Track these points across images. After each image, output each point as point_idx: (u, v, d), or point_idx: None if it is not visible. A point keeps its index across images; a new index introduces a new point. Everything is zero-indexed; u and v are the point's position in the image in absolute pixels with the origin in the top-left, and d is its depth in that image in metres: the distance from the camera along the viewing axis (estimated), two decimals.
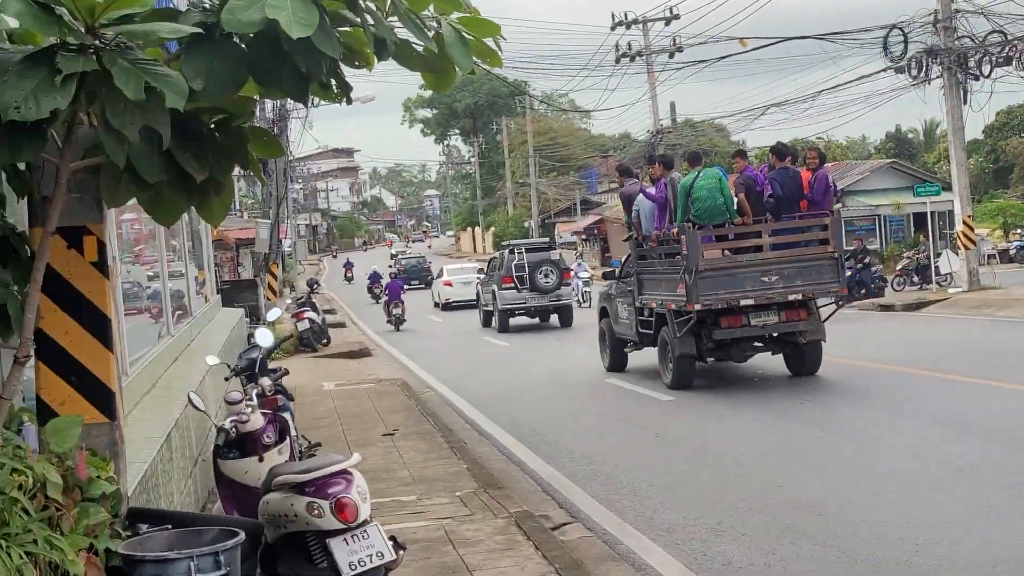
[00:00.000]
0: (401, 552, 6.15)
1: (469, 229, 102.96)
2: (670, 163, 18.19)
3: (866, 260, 33.00)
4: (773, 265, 15.98)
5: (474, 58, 5.24)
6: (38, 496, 5.00)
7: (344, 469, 6.12)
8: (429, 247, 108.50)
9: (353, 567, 5.87)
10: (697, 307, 15.71)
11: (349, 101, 5.23)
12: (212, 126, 5.13)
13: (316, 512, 5.94)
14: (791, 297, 15.98)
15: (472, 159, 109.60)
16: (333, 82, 5.09)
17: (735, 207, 16.16)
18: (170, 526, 5.74)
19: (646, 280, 17.63)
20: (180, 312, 14.25)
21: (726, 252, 16.27)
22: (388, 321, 35.45)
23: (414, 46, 5.15)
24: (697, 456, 11.94)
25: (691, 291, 15.64)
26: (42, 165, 5.44)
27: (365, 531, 5.99)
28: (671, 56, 45.08)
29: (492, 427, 14.94)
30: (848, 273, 31.11)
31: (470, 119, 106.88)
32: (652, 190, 17.49)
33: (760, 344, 17.07)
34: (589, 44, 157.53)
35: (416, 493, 10.50)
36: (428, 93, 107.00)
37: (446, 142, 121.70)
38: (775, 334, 16.71)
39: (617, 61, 46.51)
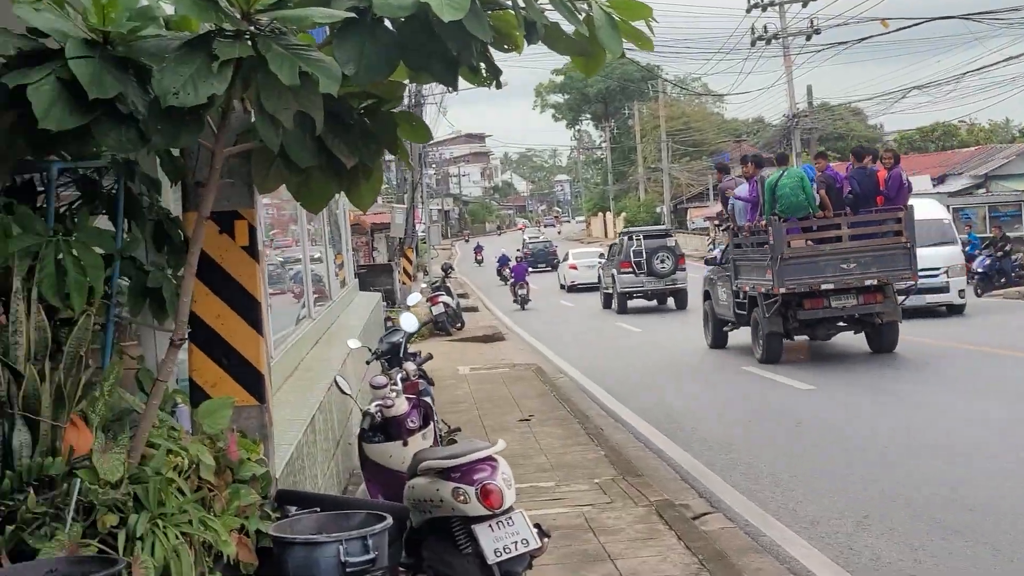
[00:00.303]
0: (546, 539, 6.09)
1: (600, 214, 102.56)
2: (761, 162, 19.75)
3: (1006, 248, 31.84)
4: (851, 254, 17.81)
5: (624, 41, 5.17)
6: (191, 477, 5.08)
7: (489, 455, 6.08)
8: (559, 233, 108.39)
9: (498, 554, 5.84)
10: (782, 290, 17.65)
11: (499, 85, 5.19)
12: (361, 111, 5.14)
13: (462, 498, 5.92)
14: (867, 282, 17.83)
15: (603, 144, 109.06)
16: (482, 66, 5.06)
17: (816, 202, 17.93)
18: (319, 509, 5.78)
19: (741, 266, 19.47)
20: (319, 296, 14.43)
21: (809, 242, 18.16)
22: (514, 301, 38.42)
23: (564, 29, 5.10)
24: (839, 447, 11.66)
25: (777, 276, 17.58)
26: (196, 151, 5.52)
27: (510, 518, 5.95)
28: (808, 38, 44.35)
29: (627, 413, 14.83)
30: (987, 262, 30.26)
31: (601, 104, 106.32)
32: (744, 188, 19.32)
33: (843, 324, 18.76)
34: (724, 27, 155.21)
35: (554, 479, 10.47)
36: (560, 78, 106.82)
37: (577, 127, 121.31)
38: (855, 315, 18.31)
39: (752, 44, 45.89)
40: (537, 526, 6.06)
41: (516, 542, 5.88)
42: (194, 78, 4.18)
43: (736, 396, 15.87)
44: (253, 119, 5.36)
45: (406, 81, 5.31)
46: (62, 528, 4.27)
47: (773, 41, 46.07)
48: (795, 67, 49.01)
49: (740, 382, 17.17)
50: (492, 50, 5.03)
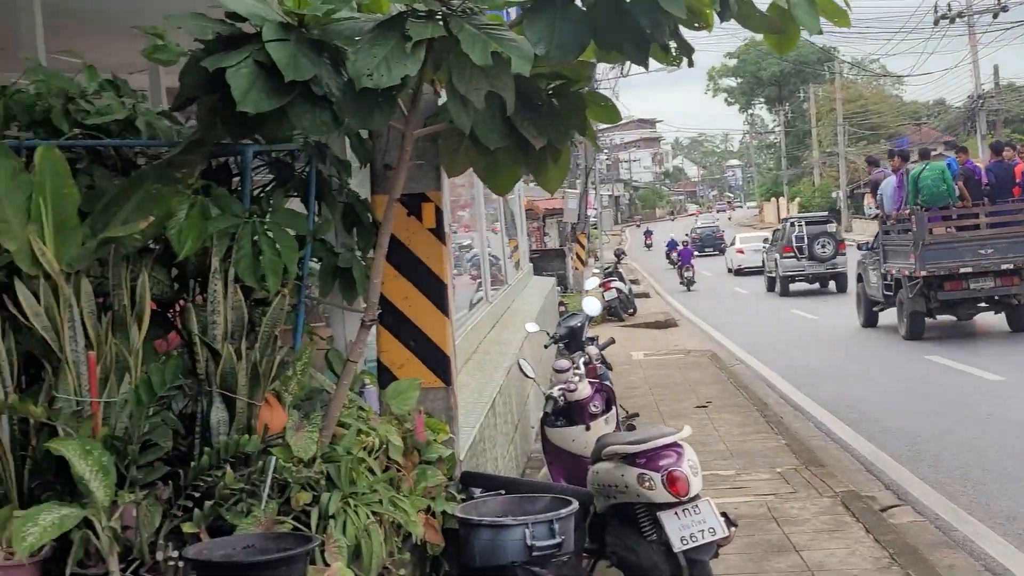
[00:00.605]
0: (733, 529, 5.97)
1: (773, 199, 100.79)
2: (906, 156, 21.90)
3: None
4: (989, 240, 19.23)
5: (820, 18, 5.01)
6: (380, 457, 5.12)
7: (675, 441, 5.99)
8: (729, 219, 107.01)
9: (684, 542, 5.74)
10: (923, 273, 19.10)
11: (691, 63, 5.08)
12: (550, 92, 5.09)
13: (647, 484, 5.84)
14: (1004, 266, 19.09)
15: (777, 128, 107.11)
16: (672, 44, 4.95)
17: (956, 193, 19.46)
18: (504, 491, 5.77)
19: (888, 251, 21.03)
20: (495, 280, 14.50)
21: (950, 229, 19.68)
22: (681, 282, 40.71)
23: (757, 6, 4.96)
24: None
25: (919, 260, 19.12)
26: (386, 133, 5.55)
27: (697, 506, 5.85)
28: (995, 16, 42.69)
29: (807, 402, 14.52)
30: None
31: (775, 87, 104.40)
32: (893, 180, 20.88)
33: (983, 304, 20.04)
34: (905, 5, 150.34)
35: (735, 468, 10.31)
36: (733, 62, 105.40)
37: (750, 111, 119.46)
38: (993, 296, 19.59)
39: (935, 23, 44.47)
40: (724, 515, 5.94)
41: (703, 530, 5.78)
42: (388, 59, 4.18)
43: (921, 385, 15.33)
44: (442, 101, 5.38)
45: (595, 60, 5.24)
46: (257, 504, 4.34)
47: (957, 20, 44.49)
48: (981, 46, 47.33)
49: (924, 371, 16.60)
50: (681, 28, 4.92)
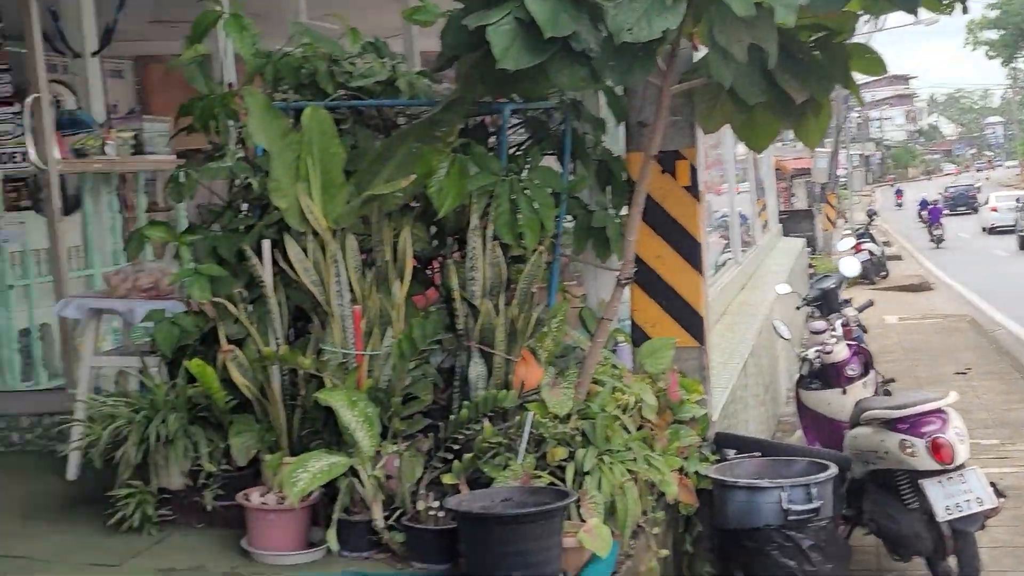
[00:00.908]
0: (1002, 500, 5.71)
1: None
2: None
3: None
4: None
5: None
6: (634, 415, 5.10)
7: (939, 407, 5.76)
8: (987, 179, 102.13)
9: (949, 511, 5.53)
10: None
11: (965, 10, 4.84)
12: (812, 44, 4.93)
13: (909, 451, 5.64)
14: None
15: None
16: None
17: None
18: (759, 453, 5.67)
19: None
20: (744, 240, 14.25)
21: None
22: (930, 240, 40.94)
23: None
24: None
25: None
26: (640, 90, 5.50)
27: (962, 474, 5.62)
28: None
29: None
30: None
31: None
32: None
33: None
34: None
35: (998, 437, 9.85)
36: (994, 13, 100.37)
37: (1013, 64, 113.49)
38: None
39: None
40: (992, 485, 5.68)
41: (969, 500, 5.55)
42: (648, 12, 4.11)
43: None
44: (697, 56, 5.29)
45: (860, 12, 5.04)
46: (515, 459, 4.39)
47: None
48: None
49: None
50: None
